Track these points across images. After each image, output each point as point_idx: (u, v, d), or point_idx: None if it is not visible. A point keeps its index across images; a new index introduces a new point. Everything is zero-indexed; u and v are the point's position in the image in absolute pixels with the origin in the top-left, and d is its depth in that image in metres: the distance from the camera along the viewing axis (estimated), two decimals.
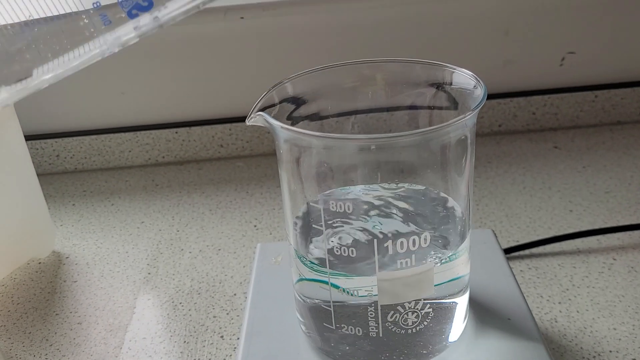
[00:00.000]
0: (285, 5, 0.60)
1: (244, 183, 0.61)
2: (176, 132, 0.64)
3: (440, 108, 0.32)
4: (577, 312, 0.41)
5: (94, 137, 0.64)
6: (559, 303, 0.42)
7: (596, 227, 0.49)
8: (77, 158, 0.65)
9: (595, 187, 0.55)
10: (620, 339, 0.39)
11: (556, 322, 0.40)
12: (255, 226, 0.54)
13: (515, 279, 0.37)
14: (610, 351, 0.38)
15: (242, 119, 0.66)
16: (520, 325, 0.33)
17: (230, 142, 0.65)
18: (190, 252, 0.51)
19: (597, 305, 0.42)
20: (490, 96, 0.64)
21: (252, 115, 0.29)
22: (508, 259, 0.44)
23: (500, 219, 0.52)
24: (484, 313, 0.34)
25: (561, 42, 0.63)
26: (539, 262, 0.46)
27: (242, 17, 0.60)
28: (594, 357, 0.37)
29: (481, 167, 0.60)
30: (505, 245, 0.47)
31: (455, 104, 0.31)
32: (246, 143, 0.65)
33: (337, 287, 0.30)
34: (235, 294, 0.46)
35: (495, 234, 0.41)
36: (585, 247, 0.47)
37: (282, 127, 0.27)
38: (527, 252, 0.47)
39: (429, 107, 0.33)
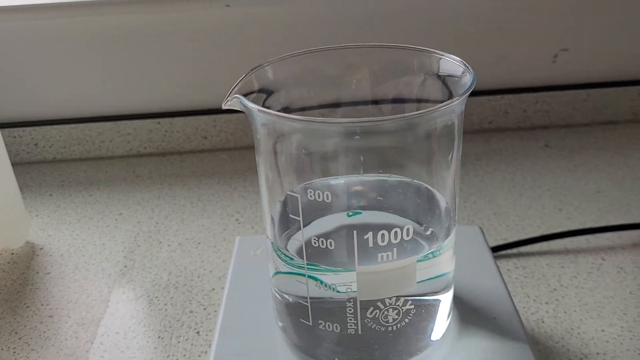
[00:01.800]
0: None
1: (227, 176, 0.59)
2: (158, 123, 0.63)
3: (427, 100, 0.31)
4: (565, 312, 0.40)
5: (73, 126, 0.62)
6: (546, 303, 0.41)
7: (586, 226, 0.48)
8: (56, 147, 0.63)
9: (586, 187, 0.54)
10: (608, 341, 0.38)
11: (543, 322, 0.39)
12: (237, 220, 0.52)
13: (502, 277, 0.36)
14: (598, 353, 0.37)
15: (226, 111, 0.65)
16: (505, 324, 0.32)
17: (214, 134, 0.63)
18: (169, 245, 0.50)
19: (585, 306, 0.41)
20: (481, 92, 0.63)
21: (228, 98, 0.27)
22: (495, 257, 0.43)
23: (488, 217, 0.51)
24: (469, 311, 0.33)
25: (554, 38, 0.63)
26: (527, 261, 0.45)
27: (227, 5, 0.59)
28: (581, 359, 0.36)
29: (470, 165, 0.59)
30: (493, 244, 0.46)
31: (443, 92, 0.30)
32: (230, 135, 0.63)
33: (314, 279, 0.28)
34: (213, 289, 0.44)
35: (482, 231, 0.40)
36: (574, 247, 0.46)
37: (259, 111, 0.26)
38: (515, 250, 0.46)
39: (417, 100, 0.31)
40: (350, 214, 0.30)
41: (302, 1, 0.59)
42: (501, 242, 0.47)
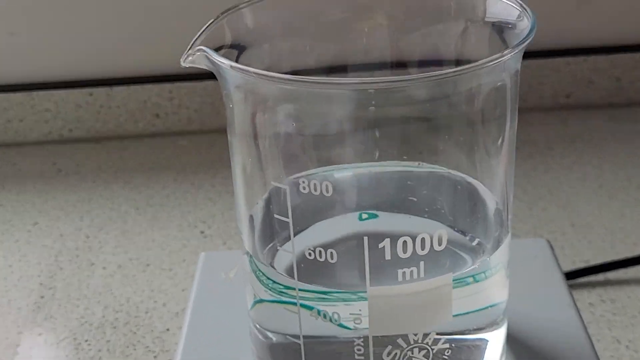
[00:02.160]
0: None
1: (188, 170, 0.61)
2: (90, 95, 0.64)
3: (469, 59, 0.32)
4: None
5: None
6: None
7: None
8: None
9: None
10: None
11: None
12: (202, 232, 0.54)
13: (577, 311, 0.37)
14: None
15: (188, 78, 0.66)
16: None
17: (171, 111, 0.65)
18: (104, 268, 0.51)
19: None
20: (555, 52, 0.64)
21: (189, 52, 0.29)
22: (572, 286, 0.44)
23: (563, 229, 0.52)
24: (529, 358, 0.34)
25: None
26: (618, 292, 0.46)
27: None
28: None
29: (539, 156, 0.60)
30: (570, 267, 0.48)
31: (491, 45, 0.31)
32: (194, 112, 0.65)
33: (309, 308, 0.29)
34: (168, 329, 0.45)
35: (551, 246, 0.41)
36: None
37: (232, 67, 0.27)
38: (600, 277, 0.47)
39: (456, 60, 0.33)
40: (365, 217, 0.31)
41: None
42: (581, 265, 0.48)
